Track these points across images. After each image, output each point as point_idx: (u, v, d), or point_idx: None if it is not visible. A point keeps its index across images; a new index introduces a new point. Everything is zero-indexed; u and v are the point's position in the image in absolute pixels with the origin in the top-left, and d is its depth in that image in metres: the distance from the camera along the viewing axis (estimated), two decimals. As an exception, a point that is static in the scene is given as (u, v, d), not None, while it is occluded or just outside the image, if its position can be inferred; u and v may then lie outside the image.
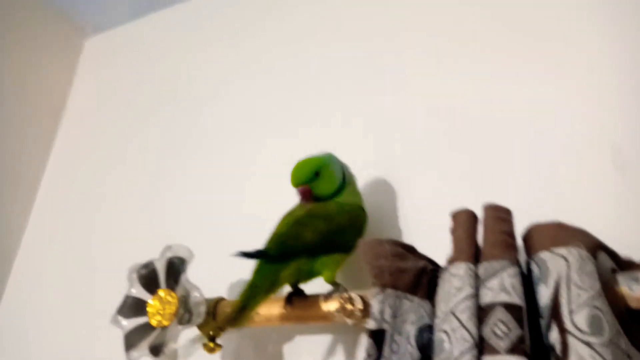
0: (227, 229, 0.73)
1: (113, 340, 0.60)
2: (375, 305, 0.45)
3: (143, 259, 0.63)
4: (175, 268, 0.58)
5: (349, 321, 0.53)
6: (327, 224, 0.54)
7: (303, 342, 0.66)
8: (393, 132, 0.71)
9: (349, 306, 0.52)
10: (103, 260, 0.83)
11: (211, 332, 0.60)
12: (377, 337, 0.44)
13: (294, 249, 0.53)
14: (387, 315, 0.45)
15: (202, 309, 0.56)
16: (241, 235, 0.73)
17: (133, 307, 0.60)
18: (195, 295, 0.56)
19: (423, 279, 0.49)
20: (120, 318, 0.59)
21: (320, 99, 0.80)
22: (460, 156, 0.66)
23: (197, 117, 0.90)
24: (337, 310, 0.54)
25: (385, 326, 0.45)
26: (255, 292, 0.51)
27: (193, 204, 0.80)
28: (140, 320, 0.59)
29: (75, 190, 0.97)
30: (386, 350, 0.44)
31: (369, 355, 0.44)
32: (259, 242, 0.64)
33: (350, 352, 0.61)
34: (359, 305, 0.52)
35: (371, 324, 0.45)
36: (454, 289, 0.43)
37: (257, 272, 0.53)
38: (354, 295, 0.52)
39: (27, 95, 0.98)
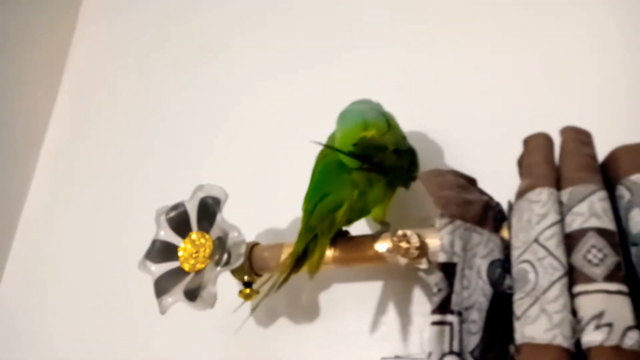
0: (258, 173, 0.68)
1: (142, 287, 0.56)
2: (445, 237, 0.41)
3: (170, 202, 0.58)
4: (209, 208, 0.54)
5: (402, 261, 0.49)
6: (399, 150, 0.50)
7: (340, 291, 0.62)
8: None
9: (404, 244, 0.48)
10: (126, 205, 0.78)
11: (246, 278, 0.56)
12: (448, 270, 0.41)
13: (375, 156, 0.47)
14: (458, 247, 0.41)
15: (242, 250, 0.51)
16: (272, 180, 0.69)
17: (162, 251, 0.55)
18: (234, 234, 0.51)
19: (489, 212, 0.45)
20: (148, 263, 0.55)
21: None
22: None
23: (228, 59, 0.84)
24: (389, 250, 0.50)
25: (456, 259, 0.41)
26: (312, 235, 0.47)
27: (222, 147, 0.75)
28: (171, 265, 0.54)
29: (95, 137, 0.91)
30: (457, 285, 0.40)
31: (439, 289, 0.40)
32: (293, 188, 0.61)
33: (393, 300, 0.58)
34: (416, 242, 0.48)
35: (441, 257, 0.41)
36: (536, 216, 0.39)
37: (312, 214, 0.48)
38: (409, 232, 0.48)
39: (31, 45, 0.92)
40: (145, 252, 0.56)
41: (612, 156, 0.41)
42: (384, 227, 0.52)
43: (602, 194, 0.38)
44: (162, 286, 0.53)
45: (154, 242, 0.56)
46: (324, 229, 0.47)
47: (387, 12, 0.75)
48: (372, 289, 0.59)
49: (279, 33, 0.82)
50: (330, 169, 0.51)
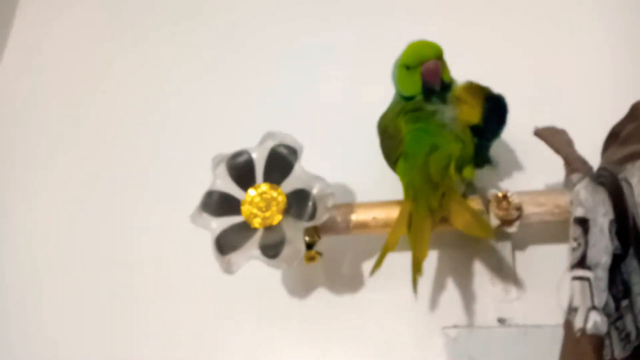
0: (317, 129, 0.62)
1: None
2: (582, 192, 0.40)
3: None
4: (284, 159, 0.47)
5: (495, 222, 0.47)
6: None
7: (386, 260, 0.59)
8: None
9: (504, 204, 0.46)
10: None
11: (307, 238, 0.50)
12: (585, 225, 0.40)
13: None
14: (590, 204, 0.41)
15: (330, 203, 0.46)
16: (332, 138, 0.63)
17: (222, 203, 0.48)
18: (322, 186, 0.45)
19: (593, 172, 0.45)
20: (206, 216, 0.47)
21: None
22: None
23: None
24: (485, 210, 0.48)
25: (590, 215, 0.40)
26: (438, 191, 0.44)
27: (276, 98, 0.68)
28: (233, 220, 0.47)
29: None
30: (590, 240, 0.40)
31: (579, 244, 0.39)
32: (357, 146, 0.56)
33: (444, 270, 0.56)
34: (517, 202, 0.46)
35: (579, 211, 0.40)
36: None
37: (430, 168, 0.45)
38: (509, 192, 0.47)
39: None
40: (200, 204, 0.48)
41: None
42: (471, 188, 0.50)
43: None
44: (227, 243, 0.46)
45: (210, 192, 0.48)
46: (451, 187, 0.44)
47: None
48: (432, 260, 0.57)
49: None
50: (427, 120, 0.48)
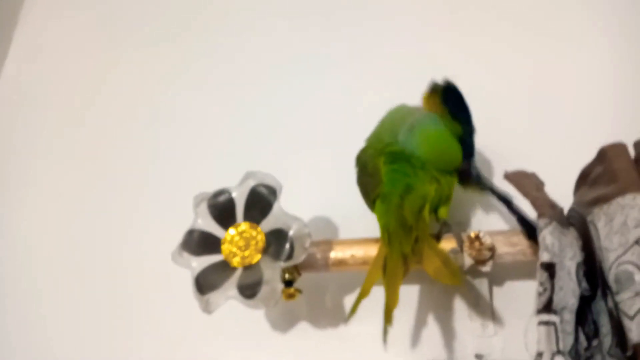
0: (293, 165, 0.63)
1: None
2: (547, 237, 0.41)
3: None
4: (263, 198, 0.49)
5: (468, 262, 0.49)
6: None
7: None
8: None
9: (476, 244, 0.48)
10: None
11: (287, 276, 0.51)
12: (551, 270, 0.41)
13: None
14: (556, 248, 0.42)
15: (308, 243, 0.47)
16: (309, 174, 0.64)
17: (202, 242, 0.49)
18: (300, 226, 0.46)
19: (564, 214, 0.46)
20: (186, 255, 0.48)
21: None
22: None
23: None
24: (454, 251, 0.49)
25: (556, 260, 0.41)
26: (412, 234, 0.45)
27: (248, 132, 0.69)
28: (213, 259, 0.48)
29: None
30: (557, 284, 0.41)
31: (544, 289, 0.40)
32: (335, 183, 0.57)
33: (427, 305, 0.57)
34: (489, 243, 0.48)
35: (545, 257, 0.41)
36: (633, 219, 0.41)
37: (404, 209, 0.46)
38: (482, 232, 0.48)
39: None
40: (181, 243, 0.49)
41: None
42: (446, 227, 0.51)
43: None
44: (206, 282, 0.47)
45: (191, 231, 0.49)
46: (424, 230, 0.45)
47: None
48: (402, 293, 0.58)
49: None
50: (403, 161, 0.49)
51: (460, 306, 0.56)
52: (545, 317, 0.39)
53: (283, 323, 0.59)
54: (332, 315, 0.59)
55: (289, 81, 0.70)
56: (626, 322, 0.38)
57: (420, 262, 0.45)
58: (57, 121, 0.79)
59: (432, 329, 0.56)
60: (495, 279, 0.55)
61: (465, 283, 0.56)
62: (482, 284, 0.55)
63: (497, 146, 0.59)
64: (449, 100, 0.50)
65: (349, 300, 0.59)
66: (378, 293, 0.56)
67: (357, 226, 0.56)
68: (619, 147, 0.45)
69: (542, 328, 0.39)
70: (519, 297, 0.55)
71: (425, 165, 0.48)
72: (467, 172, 0.51)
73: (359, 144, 0.56)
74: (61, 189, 0.74)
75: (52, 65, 0.84)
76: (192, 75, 0.76)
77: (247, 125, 0.69)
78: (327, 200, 0.60)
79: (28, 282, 0.68)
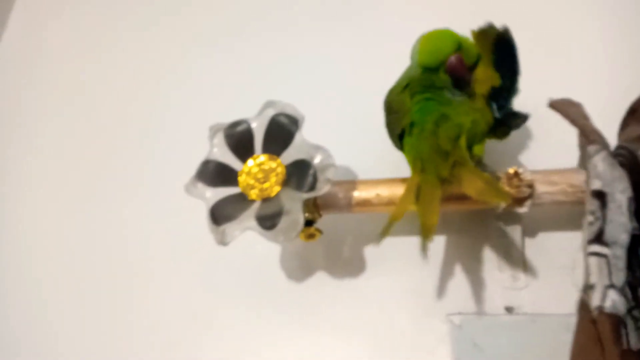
0: (318, 103, 0.58)
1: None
2: (599, 164, 0.38)
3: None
4: (284, 128, 0.45)
5: (503, 204, 0.45)
6: None
7: (388, 245, 0.56)
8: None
9: (515, 181, 0.44)
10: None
11: (307, 214, 0.48)
12: (603, 199, 0.37)
13: None
14: (608, 177, 0.38)
15: (331, 174, 0.43)
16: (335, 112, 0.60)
17: (218, 173, 0.45)
18: (323, 156, 0.43)
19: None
20: (201, 186, 0.45)
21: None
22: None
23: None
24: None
25: (607, 189, 0.38)
26: (449, 160, 0.41)
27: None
28: (229, 191, 0.45)
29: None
30: (608, 215, 0.37)
31: (595, 217, 0.36)
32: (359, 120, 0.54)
33: (450, 255, 0.53)
34: (529, 179, 0.44)
35: (596, 184, 0.37)
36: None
37: (439, 136, 0.42)
38: (521, 169, 0.44)
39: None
40: (196, 173, 0.46)
41: None
42: (480, 166, 0.47)
43: None
44: (222, 213, 0.43)
45: (207, 162, 0.46)
46: (462, 156, 0.41)
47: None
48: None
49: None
50: (435, 89, 0.45)
51: (489, 256, 0.52)
52: (597, 248, 0.36)
53: (298, 272, 0.56)
54: (351, 265, 0.55)
55: (313, 20, 0.66)
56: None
57: (460, 185, 0.41)
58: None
59: (459, 280, 0.52)
60: (528, 228, 0.52)
61: (496, 231, 0.52)
62: (514, 232, 0.51)
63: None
64: (498, 50, 0.46)
65: (368, 250, 0.56)
66: (395, 245, 0.54)
67: (380, 170, 0.53)
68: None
69: (594, 259, 0.35)
70: (552, 248, 0.51)
71: (459, 96, 0.44)
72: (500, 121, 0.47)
73: (382, 86, 0.52)
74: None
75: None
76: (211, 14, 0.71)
77: (267, 63, 0.65)
78: (348, 143, 0.56)
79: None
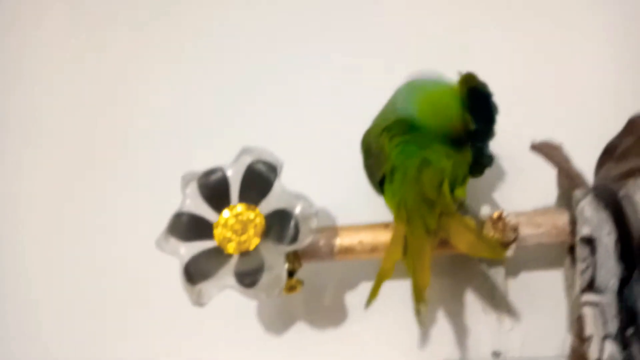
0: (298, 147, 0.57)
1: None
2: (586, 209, 0.37)
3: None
4: (261, 176, 0.43)
5: (487, 249, 0.44)
6: None
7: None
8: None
9: (500, 225, 0.43)
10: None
11: (287, 265, 0.45)
12: (592, 245, 0.37)
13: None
14: (595, 222, 0.38)
15: (314, 224, 0.41)
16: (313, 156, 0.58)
17: (192, 227, 0.43)
18: (305, 206, 0.41)
19: (592, 191, 0.42)
20: (174, 241, 0.42)
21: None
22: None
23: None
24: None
25: (595, 234, 0.37)
26: (435, 210, 0.39)
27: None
28: (205, 245, 0.42)
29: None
30: (598, 261, 0.37)
31: (587, 265, 0.36)
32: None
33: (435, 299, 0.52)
34: (514, 223, 0.43)
35: (585, 230, 0.37)
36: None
37: (423, 183, 0.41)
38: (505, 212, 0.44)
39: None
40: (168, 227, 0.43)
41: None
42: (463, 209, 0.46)
43: None
44: (197, 270, 0.40)
45: (179, 214, 0.43)
46: (448, 205, 0.40)
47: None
48: (404, 287, 0.53)
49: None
50: (415, 131, 0.44)
51: (473, 299, 0.51)
52: (591, 297, 0.35)
53: (278, 323, 0.53)
54: (332, 313, 0.53)
55: (289, 59, 0.64)
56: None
57: (449, 239, 0.39)
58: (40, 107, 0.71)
59: (443, 325, 0.51)
60: (511, 269, 0.51)
61: (478, 274, 0.51)
62: (497, 274, 0.50)
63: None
64: (472, 97, 0.44)
65: (350, 297, 0.54)
66: (380, 292, 0.52)
67: (362, 214, 0.51)
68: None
69: (588, 309, 0.34)
70: (536, 287, 0.51)
71: (432, 134, 0.44)
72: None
73: (364, 126, 0.51)
74: (46, 180, 0.66)
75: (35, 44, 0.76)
76: (181, 51, 0.69)
77: (242, 105, 0.63)
78: (328, 186, 0.54)
79: (16, 276, 0.62)
